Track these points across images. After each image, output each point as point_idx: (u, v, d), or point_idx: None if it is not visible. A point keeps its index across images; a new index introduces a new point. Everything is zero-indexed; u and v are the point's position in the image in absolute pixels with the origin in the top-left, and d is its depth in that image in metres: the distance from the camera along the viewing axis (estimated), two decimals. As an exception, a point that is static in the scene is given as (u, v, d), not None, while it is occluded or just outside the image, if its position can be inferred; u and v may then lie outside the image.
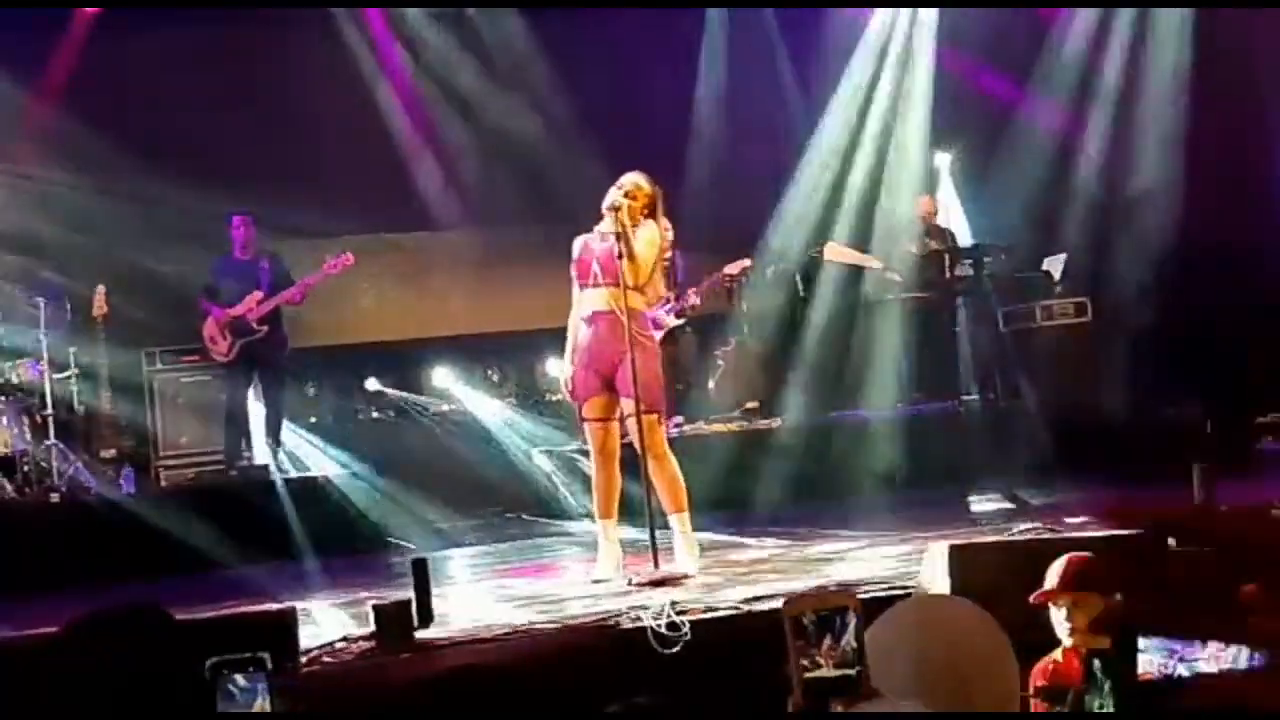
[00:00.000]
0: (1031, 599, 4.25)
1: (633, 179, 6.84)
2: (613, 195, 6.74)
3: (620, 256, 6.65)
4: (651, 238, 6.84)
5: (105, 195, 10.54)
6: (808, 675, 2.71)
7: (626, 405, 6.70)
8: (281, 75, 11.44)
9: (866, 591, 5.66)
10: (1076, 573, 4.28)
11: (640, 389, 6.62)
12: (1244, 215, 10.96)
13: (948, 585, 5.01)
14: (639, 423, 6.64)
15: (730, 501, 9.13)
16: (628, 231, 6.68)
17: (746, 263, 10.94)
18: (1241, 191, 10.94)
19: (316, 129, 11.46)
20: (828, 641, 2.69)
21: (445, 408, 11.51)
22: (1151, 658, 3.19)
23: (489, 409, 11.41)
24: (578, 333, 6.89)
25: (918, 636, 2.60)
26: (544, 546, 9.06)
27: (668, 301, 10.21)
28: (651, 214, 6.83)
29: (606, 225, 6.75)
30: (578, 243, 6.93)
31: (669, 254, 9.72)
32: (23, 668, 4.38)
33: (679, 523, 6.83)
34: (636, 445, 6.68)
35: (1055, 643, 4.25)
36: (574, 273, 6.91)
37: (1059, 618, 4.22)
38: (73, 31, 10.92)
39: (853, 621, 2.73)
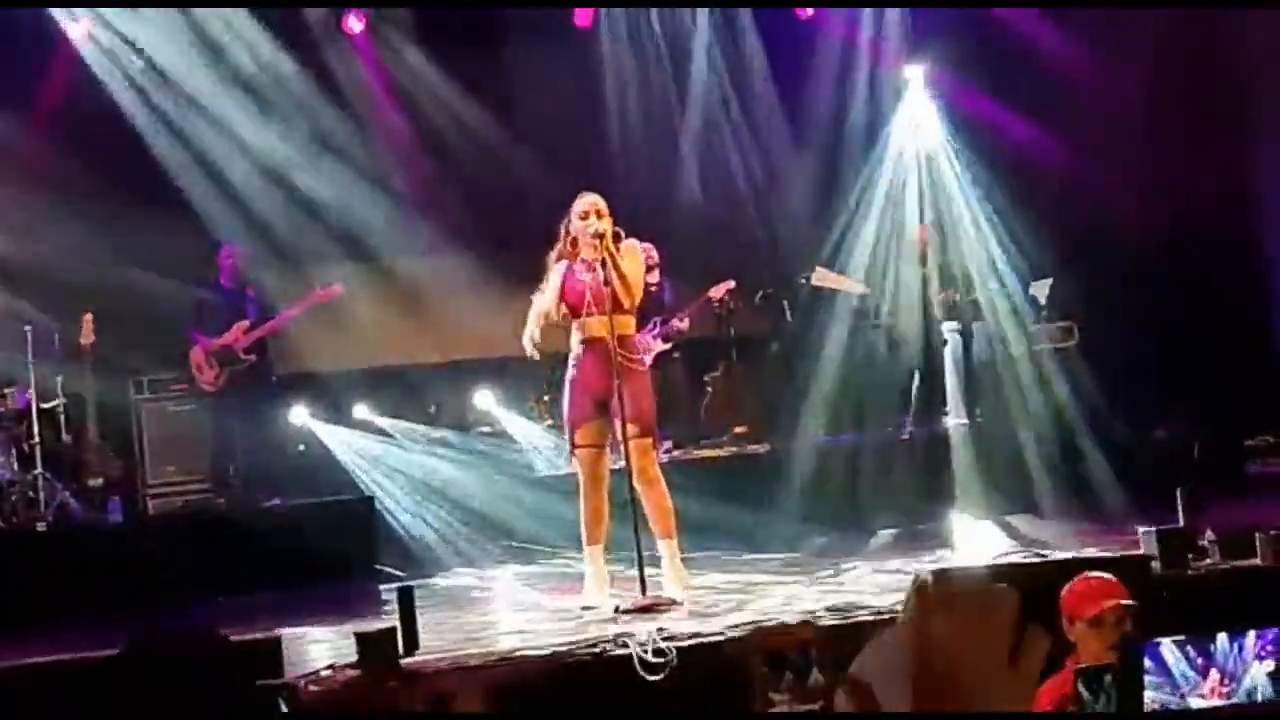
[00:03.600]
0: (1111, 608, 4.21)
1: (598, 201, 6.77)
2: (595, 223, 6.68)
3: (606, 283, 6.64)
4: (637, 258, 6.84)
5: (91, 223, 10.53)
6: (773, 710, 2.69)
7: (619, 430, 6.68)
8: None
9: (853, 616, 5.66)
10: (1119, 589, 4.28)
11: (633, 414, 6.61)
12: (1233, 238, 10.99)
13: (932, 610, 5.00)
14: (625, 448, 6.62)
15: (719, 527, 9.11)
16: (615, 258, 6.67)
17: (730, 284, 10.96)
18: (1230, 213, 10.98)
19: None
20: (789, 678, 2.67)
21: (436, 434, 11.47)
22: (1151, 694, 3.19)
23: (480, 434, 11.38)
24: (571, 360, 6.86)
25: (915, 656, 2.58)
26: (533, 573, 9.03)
27: (655, 326, 10.25)
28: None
29: (589, 253, 6.71)
30: (558, 273, 6.84)
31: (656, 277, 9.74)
32: (77, 688, 4.37)
33: (668, 549, 6.82)
34: (628, 471, 6.66)
35: (1042, 666, 4.24)
36: (564, 305, 6.85)
37: (1098, 634, 4.17)
38: (61, 58, 10.93)
39: (816, 654, 2.70)
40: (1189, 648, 3.18)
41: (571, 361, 6.88)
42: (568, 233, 6.81)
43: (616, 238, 6.72)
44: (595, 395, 6.77)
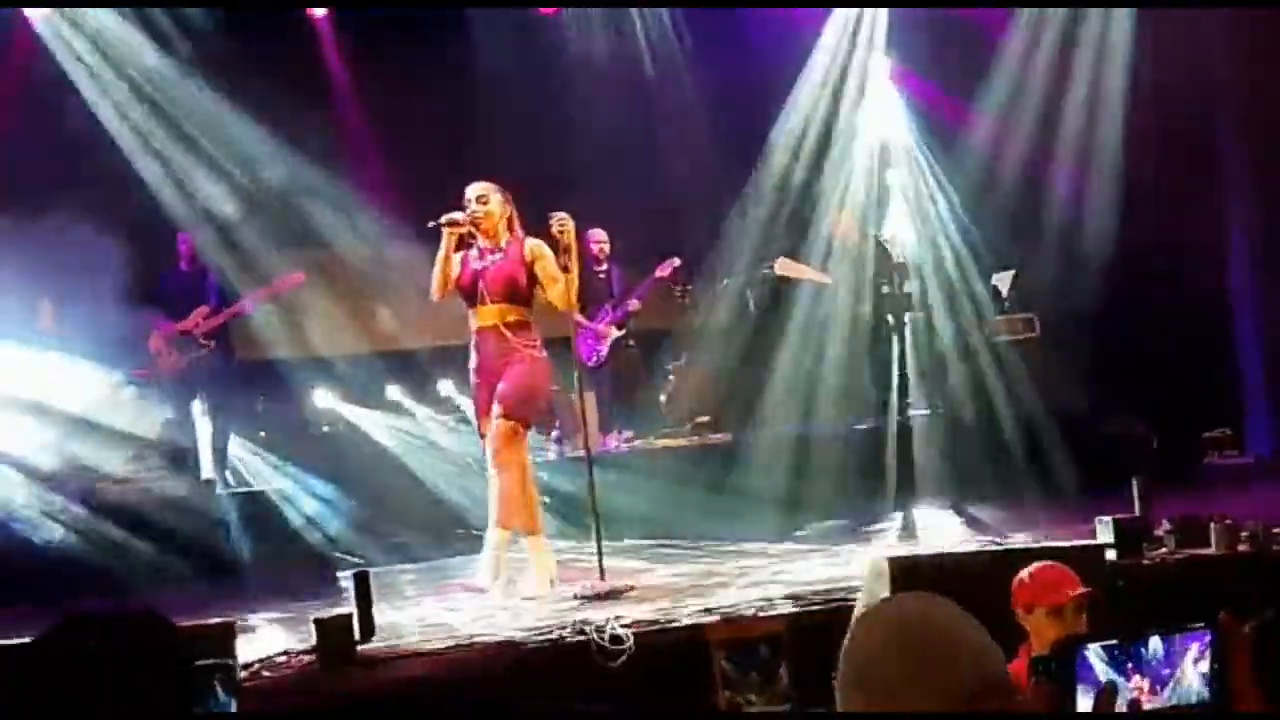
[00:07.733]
0: (1077, 596, 4.25)
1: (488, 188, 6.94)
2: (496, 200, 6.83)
3: (566, 269, 6.70)
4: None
5: (48, 207, 10.43)
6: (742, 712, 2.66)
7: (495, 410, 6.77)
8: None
9: (809, 604, 5.68)
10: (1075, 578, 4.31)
11: (502, 393, 6.71)
12: (1191, 231, 11.03)
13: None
14: (480, 428, 6.77)
15: (679, 515, 9.12)
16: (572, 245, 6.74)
17: (676, 262, 10.98)
18: (1188, 207, 11.01)
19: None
20: (755, 676, 2.63)
21: (394, 421, 11.44)
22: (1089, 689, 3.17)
23: (439, 423, 11.35)
24: (471, 348, 6.96)
25: (900, 635, 2.55)
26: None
27: (607, 313, 10.30)
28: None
29: (484, 240, 6.85)
30: (456, 260, 6.92)
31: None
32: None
33: (496, 538, 6.82)
34: (588, 458, 6.70)
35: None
36: (458, 290, 6.93)
37: (1057, 622, 4.21)
38: (16, 42, 10.82)
39: (782, 651, 2.67)
40: (1116, 651, 3.14)
41: (471, 350, 6.97)
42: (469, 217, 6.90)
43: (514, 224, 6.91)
44: (490, 384, 6.85)
